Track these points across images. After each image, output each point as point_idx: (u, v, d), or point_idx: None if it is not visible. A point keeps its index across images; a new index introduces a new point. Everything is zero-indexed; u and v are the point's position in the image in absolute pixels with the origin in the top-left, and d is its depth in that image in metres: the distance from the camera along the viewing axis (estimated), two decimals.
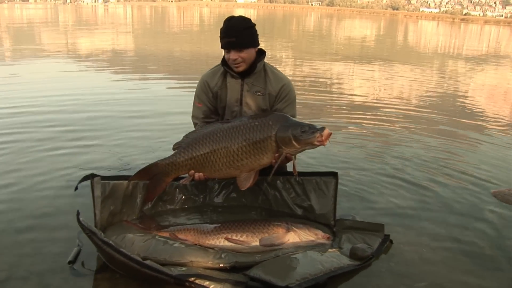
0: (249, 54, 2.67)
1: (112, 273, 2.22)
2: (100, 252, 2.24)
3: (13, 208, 2.94)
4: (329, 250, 2.35)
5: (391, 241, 2.59)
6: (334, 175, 2.72)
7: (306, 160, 3.83)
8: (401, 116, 6.12)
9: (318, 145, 2.29)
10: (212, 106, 2.85)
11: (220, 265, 2.21)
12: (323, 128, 2.26)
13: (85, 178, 2.53)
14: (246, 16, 2.89)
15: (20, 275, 2.24)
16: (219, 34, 2.68)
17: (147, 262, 2.08)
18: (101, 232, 2.27)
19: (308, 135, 2.28)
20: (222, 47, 2.68)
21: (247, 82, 2.77)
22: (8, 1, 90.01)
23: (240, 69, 2.69)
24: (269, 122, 2.41)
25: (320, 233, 2.47)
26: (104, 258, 2.26)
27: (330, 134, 2.26)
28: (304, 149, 2.37)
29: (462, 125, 5.84)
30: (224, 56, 2.74)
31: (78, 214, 2.20)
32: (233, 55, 2.63)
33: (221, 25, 2.67)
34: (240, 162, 2.45)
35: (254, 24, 2.72)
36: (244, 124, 2.46)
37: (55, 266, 2.30)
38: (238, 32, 2.60)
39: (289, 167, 2.90)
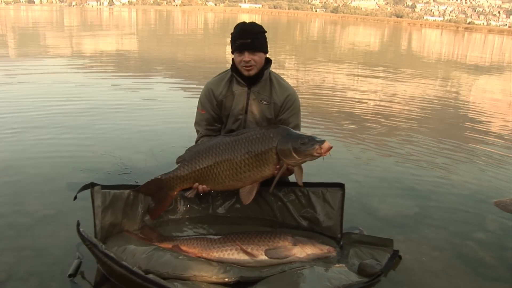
0: (260, 58, 2.68)
1: (113, 286, 2.17)
2: (101, 264, 2.19)
3: (13, 210, 2.94)
4: (337, 265, 2.29)
5: (399, 257, 2.53)
6: (341, 186, 2.68)
7: (306, 169, 3.79)
8: (403, 124, 6.09)
9: (318, 157, 2.30)
10: (215, 114, 2.84)
11: (225, 279, 2.15)
12: (323, 141, 2.28)
13: (85, 187, 2.47)
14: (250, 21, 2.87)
15: (19, 276, 2.24)
16: (229, 39, 2.65)
17: (150, 276, 2.01)
18: (102, 243, 2.21)
19: (307, 147, 2.29)
20: (235, 50, 2.67)
21: (254, 90, 2.75)
22: (14, 3, 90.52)
23: (252, 72, 2.68)
24: (270, 134, 2.43)
25: (326, 248, 2.41)
26: (104, 271, 2.21)
27: (331, 147, 2.27)
28: (305, 161, 2.39)
29: (464, 134, 5.81)
30: (233, 62, 2.73)
31: (78, 224, 2.15)
32: (247, 56, 2.62)
33: (226, 29, 2.65)
34: (243, 174, 2.46)
35: (266, 31, 2.73)
36: (246, 137, 2.48)
37: (54, 269, 2.30)
38: (253, 34, 2.63)
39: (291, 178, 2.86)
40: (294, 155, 2.33)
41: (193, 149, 2.62)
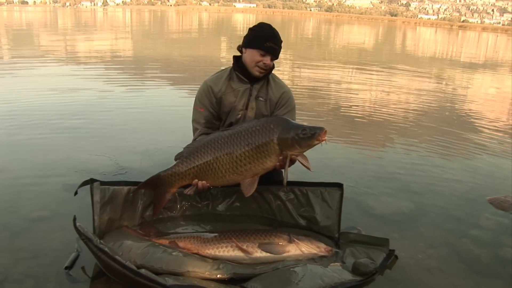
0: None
1: (108, 280, 2.18)
2: (96, 258, 2.20)
3: (8, 212, 2.92)
4: (331, 264, 2.29)
5: (396, 257, 2.53)
6: (340, 186, 2.68)
7: (302, 168, 3.79)
8: (398, 122, 6.11)
9: (318, 144, 2.35)
10: (214, 111, 2.84)
11: (218, 276, 2.15)
12: (321, 128, 2.32)
13: (85, 183, 2.48)
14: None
15: (15, 278, 2.23)
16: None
17: (142, 271, 2.02)
18: (97, 238, 2.22)
19: (308, 136, 2.32)
20: (261, 49, 2.67)
21: (255, 87, 2.79)
22: (7, 4, 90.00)
23: (263, 74, 2.75)
24: (270, 125, 2.42)
25: (322, 246, 2.42)
26: (100, 265, 2.22)
27: (326, 131, 2.33)
28: (306, 150, 2.40)
29: (459, 132, 5.83)
30: (236, 60, 2.77)
31: (74, 219, 2.16)
32: (269, 60, 2.70)
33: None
34: (243, 167, 2.43)
35: None
36: (245, 129, 2.46)
37: (50, 270, 2.28)
38: (280, 42, 2.74)
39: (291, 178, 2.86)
40: (296, 145, 2.34)
41: (191, 145, 2.61)
